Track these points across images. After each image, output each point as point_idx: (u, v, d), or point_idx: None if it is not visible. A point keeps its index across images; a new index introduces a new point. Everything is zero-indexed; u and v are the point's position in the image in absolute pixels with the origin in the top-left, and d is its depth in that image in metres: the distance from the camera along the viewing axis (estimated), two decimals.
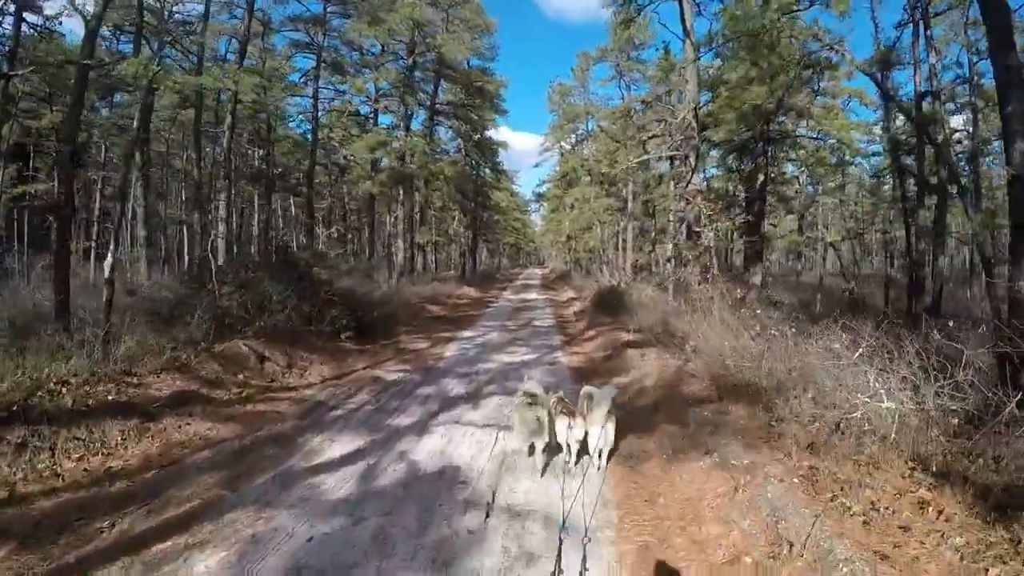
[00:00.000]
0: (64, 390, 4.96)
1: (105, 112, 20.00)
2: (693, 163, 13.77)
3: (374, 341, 10.26)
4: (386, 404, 6.33)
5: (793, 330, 5.40)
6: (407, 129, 16.96)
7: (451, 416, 5.83)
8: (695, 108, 13.42)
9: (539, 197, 34.43)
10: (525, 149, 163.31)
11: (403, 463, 4.51)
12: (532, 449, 4.33)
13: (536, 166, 36.68)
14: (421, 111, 23.23)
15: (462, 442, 5.02)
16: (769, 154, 19.08)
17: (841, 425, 3.93)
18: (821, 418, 4.06)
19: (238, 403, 6.07)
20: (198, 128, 15.09)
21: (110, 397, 5.12)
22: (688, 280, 12.36)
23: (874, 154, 21.73)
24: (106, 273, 7.04)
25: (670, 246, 21.35)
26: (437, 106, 23.31)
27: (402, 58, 17.80)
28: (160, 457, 4.55)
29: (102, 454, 4.46)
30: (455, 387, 7.12)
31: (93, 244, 18.66)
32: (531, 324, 14.01)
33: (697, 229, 12.51)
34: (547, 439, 4.19)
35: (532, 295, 24.70)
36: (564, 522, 2.98)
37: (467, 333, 12.09)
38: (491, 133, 32.04)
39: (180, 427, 5.14)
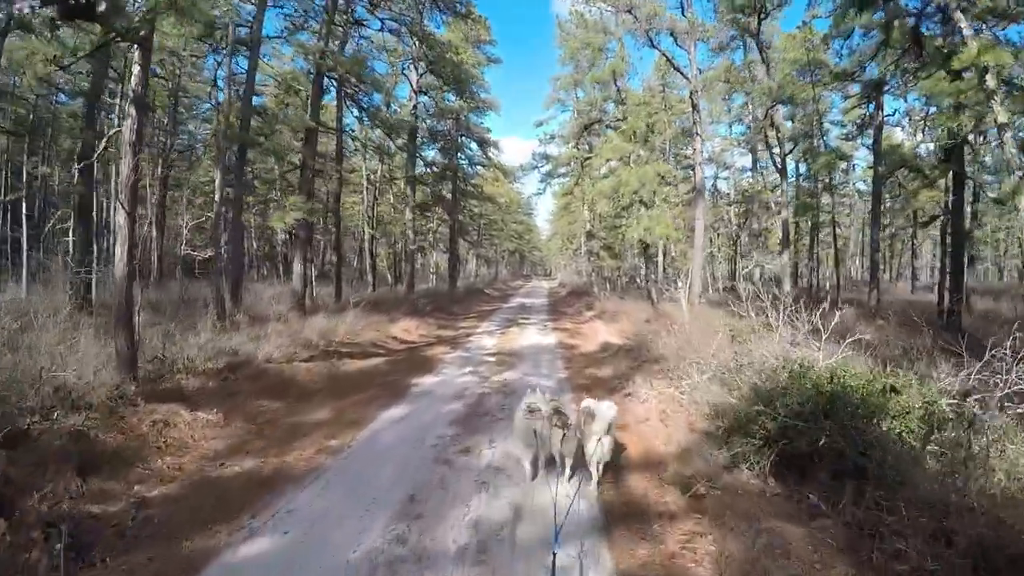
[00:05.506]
0: None
1: None
2: None
3: None
4: None
5: None
6: None
7: None
8: None
9: (545, 159, 23.11)
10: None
11: None
12: (536, 461, 4.23)
13: (539, 125, 23.53)
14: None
15: None
16: None
17: None
18: None
19: None
20: None
21: None
22: None
23: None
24: None
25: None
26: None
27: None
28: None
29: None
30: None
31: None
32: None
33: None
34: (545, 452, 4.18)
35: (530, 337, 12.94)
36: (557, 536, 2.64)
37: None
38: (474, 89, 21.63)
39: None
